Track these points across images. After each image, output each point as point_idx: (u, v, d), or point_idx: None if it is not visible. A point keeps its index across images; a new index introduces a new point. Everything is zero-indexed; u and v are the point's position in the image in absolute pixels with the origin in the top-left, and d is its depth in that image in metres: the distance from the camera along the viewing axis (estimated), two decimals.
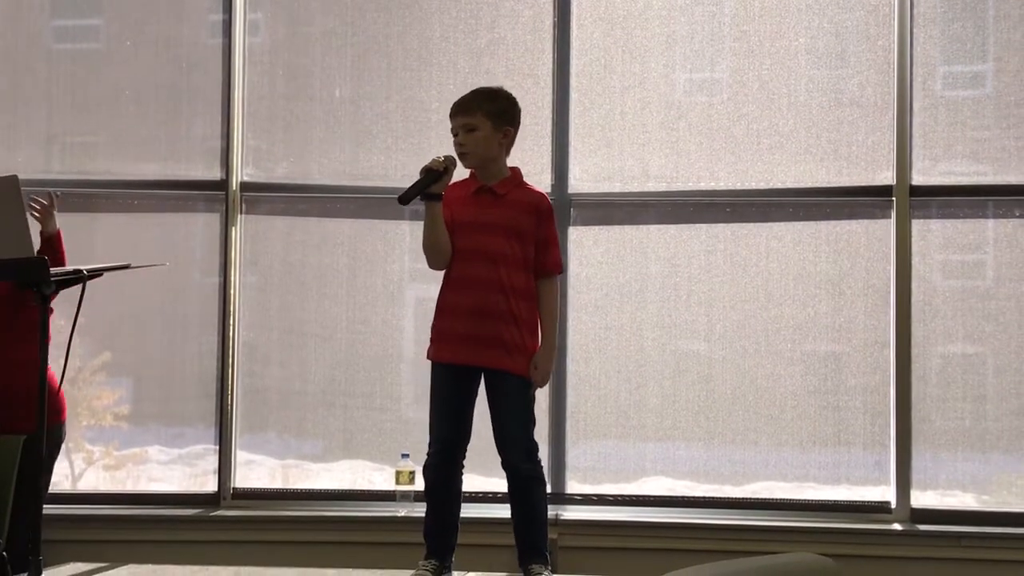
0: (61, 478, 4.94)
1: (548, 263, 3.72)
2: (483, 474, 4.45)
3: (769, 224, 4.80)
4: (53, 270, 3.33)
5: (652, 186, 4.85)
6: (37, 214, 4.25)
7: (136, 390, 5.08)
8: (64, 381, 3.54)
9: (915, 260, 4.69)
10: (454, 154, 3.68)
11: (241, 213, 4.95)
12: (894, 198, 4.71)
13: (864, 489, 4.70)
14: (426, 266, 3.75)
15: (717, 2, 4.88)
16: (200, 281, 5.02)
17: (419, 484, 4.41)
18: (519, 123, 3.78)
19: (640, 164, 4.87)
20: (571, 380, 4.81)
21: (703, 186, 4.83)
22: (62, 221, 4.34)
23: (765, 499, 4.71)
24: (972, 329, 4.71)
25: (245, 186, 4.96)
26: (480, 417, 3.70)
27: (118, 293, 4.83)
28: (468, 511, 3.82)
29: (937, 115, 4.75)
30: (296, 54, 5.05)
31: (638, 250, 4.86)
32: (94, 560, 3.93)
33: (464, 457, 3.70)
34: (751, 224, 4.81)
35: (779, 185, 4.80)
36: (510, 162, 3.78)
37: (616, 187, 4.87)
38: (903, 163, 4.71)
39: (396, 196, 3.64)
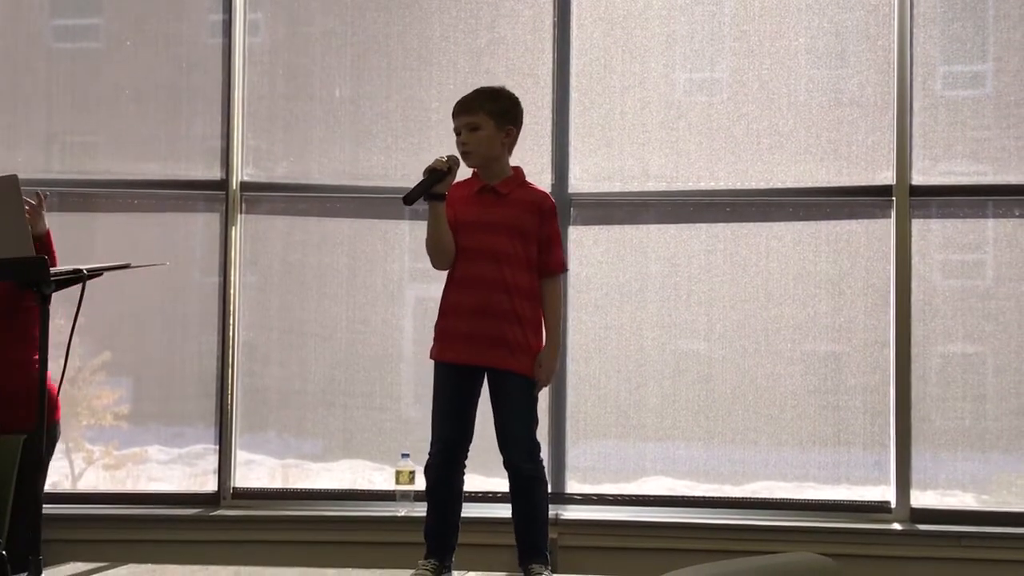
0: (61, 477, 4.95)
1: (551, 262, 3.72)
2: (483, 474, 4.46)
3: (769, 224, 4.80)
4: (53, 269, 3.33)
5: (652, 186, 4.85)
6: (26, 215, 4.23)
7: (136, 390, 5.08)
8: (64, 381, 3.52)
9: (915, 260, 4.69)
10: (456, 153, 3.69)
11: (241, 213, 4.95)
12: (894, 198, 4.71)
13: (864, 489, 4.70)
14: (426, 266, 3.76)
15: (717, 2, 4.87)
16: (200, 281, 5.02)
17: (419, 484, 4.42)
18: (521, 122, 3.78)
19: (640, 164, 4.87)
20: (571, 380, 4.80)
21: (703, 186, 4.83)
22: (61, 220, 4.35)
23: (765, 499, 4.71)
24: (972, 329, 4.71)
25: (245, 186, 4.96)
26: (480, 416, 3.70)
27: (118, 293, 4.83)
28: (468, 511, 3.82)
29: (937, 115, 4.75)
30: (296, 54, 5.05)
31: (638, 250, 4.86)
32: (94, 560, 3.93)
33: (466, 457, 3.70)
34: (751, 224, 4.81)
35: (779, 185, 4.80)
36: (511, 162, 3.78)
37: (616, 187, 4.87)
38: (903, 163, 4.71)
39: (396, 196, 3.65)
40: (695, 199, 4.84)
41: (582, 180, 4.87)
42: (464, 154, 3.68)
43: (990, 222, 4.77)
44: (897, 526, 4.58)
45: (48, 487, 4.30)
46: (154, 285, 4.91)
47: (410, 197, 3.57)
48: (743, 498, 4.73)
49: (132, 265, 3.80)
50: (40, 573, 3.28)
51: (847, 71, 4.82)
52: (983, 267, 4.79)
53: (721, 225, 4.83)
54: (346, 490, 4.85)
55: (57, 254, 4.13)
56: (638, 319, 4.82)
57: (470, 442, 3.69)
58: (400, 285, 4.94)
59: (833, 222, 4.78)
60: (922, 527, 4.55)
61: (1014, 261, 4.71)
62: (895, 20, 4.74)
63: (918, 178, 4.72)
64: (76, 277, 3.39)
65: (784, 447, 4.75)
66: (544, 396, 4.58)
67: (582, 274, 4.83)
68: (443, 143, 4.21)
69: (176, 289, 5.01)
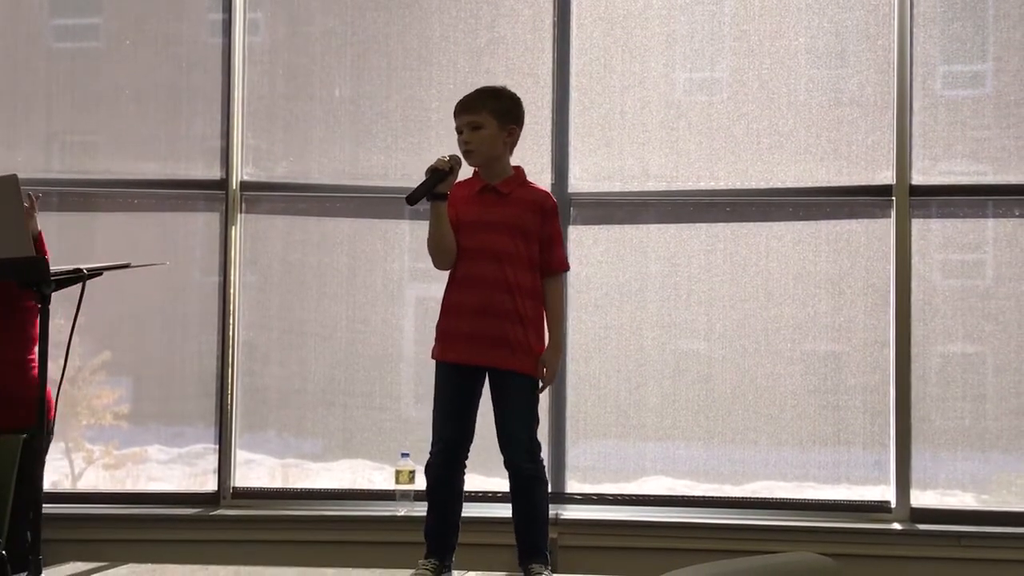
0: (61, 477, 4.95)
1: (553, 261, 3.72)
2: (483, 473, 4.46)
3: (769, 223, 4.80)
4: (53, 269, 3.33)
5: (652, 185, 4.85)
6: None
7: (136, 389, 5.08)
8: (64, 380, 3.52)
9: (915, 259, 4.69)
10: (458, 153, 3.68)
11: (241, 212, 4.95)
12: (894, 197, 4.71)
13: (864, 488, 4.70)
14: (426, 265, 3.76)
15: (717, 1, 4.87)
16: (200, 280, 5.02)
17: (419, 483, 4.43)
18: (523, 122, 3.78)
19: (640, 163, 4.87)
20: (571, 379, 4.80)
21: (703, 185, 4.83)
22: (61, 220, 4.35)
23: (765, 498, 4.71)
24: (972, 328, 4.71)
25: (245, 185, 4.96)
26: (481, 416, 3.70)
27: (118, 292, 4.83)
28: (468, 510, 3.82)
29: (937, 114, 4.75)
30: (296, 53, 5.05)
31: (638, 249, 4.86)
32: (94, 559, 3.93)
33: (467, 457, 3.70)
34: (751, 223, 4.81)
35: (779, 184, 4.80)
36: (512, 161, 3.78)
37: (616, 186, 4.87)
38: (903, 162, 4.71)
39: (396, 195, 3.65)
40: (695, 199, 4.84)
41: (582, 180, 4.87)
42: (466, 152, 3.68)
43: (990, 222, 4.77)
44: (897, 526, 4.58)
45: (48, 487, 4.29)
46: (154, 285, 4.91)
47: (413, 197, 3.57)
48: (743, 498, 4.73)
49: (132, 265, 3.81)
50: (40, 573, 3.28)
51: (847, 71, 4.82)
52: (983, 267, 4.79)
53: (721, 225, 4.83)
54: (346, 490, 4.85)
55: (50, 255, 4.13)
56: (638, 319, 4.82)
57: (471, 442, 3.69)
58: (400, 285, 4.94)
59: (833, 222, 4.78)
60: (922, 527, 4.55)
61: (1014, 261, 4.71)
62: (895, 20, 4.74)
63: (918, 178, 4.72)
64: (76, 277, 3.40)
65: (784, 447, 4.75)
66: (544, 396, 4.58)
67: (582, 274, 4.83)
68: (443, 143, 4.21)
69: (176, 289, 5.01)
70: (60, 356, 3.54)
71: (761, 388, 4.76)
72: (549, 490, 3.79)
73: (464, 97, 3.73)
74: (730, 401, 4.76)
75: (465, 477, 3.73)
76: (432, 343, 3.75)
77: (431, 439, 3.69)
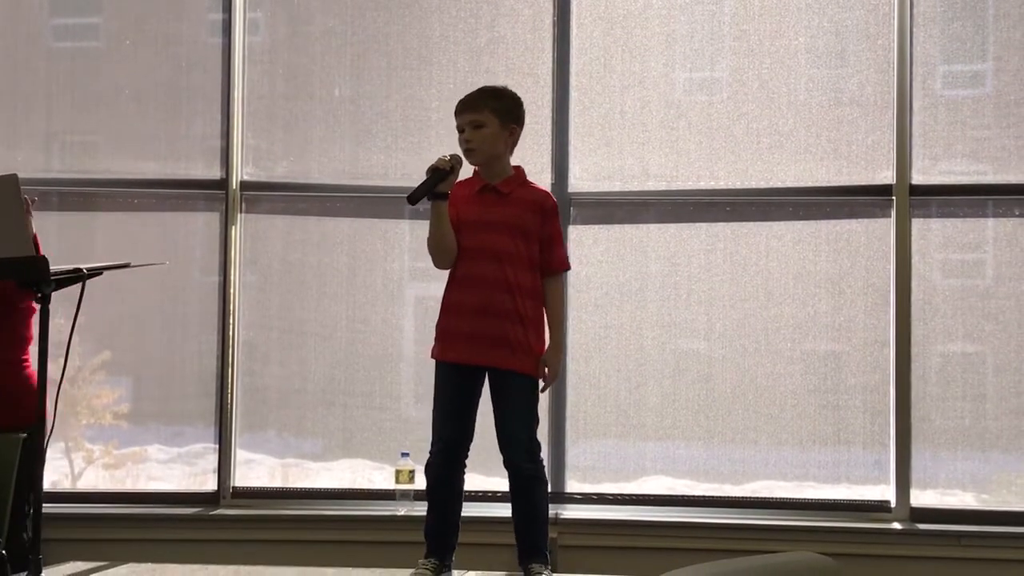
0: (61, 477, 4.95)
1: (554, 261, 3.72)
2: (483, 473, 4.46)
3: (769, 223, 4.80)
4: (53, 268, 3.33)
5: (652, 185, 4.85)
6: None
7: (136, 389, 5.08)
8: (64, 380, 3.52)
9: (915, 259, 4.69)
10: (459, 152, 3.68)
11: (241, 212, 4.95)
12: (894, 197, 4.71)
13: (864, 488, 4.70)
14: (426, 265, 3.76)
15: (717, 1, 4.87)
16: (200, 280, 5.02)
17: (419, 483, 4.43)
18: (523, 123, 3.78)
19: (640, 163, 4.87)
20: (571, 379, 4.80)
21: (703, 185, 4.83)
22: (61, 220, 4.36)
23: (765, 498, 4.71)
24: (972, 328, 4.71)
25: (245, 185, 4.96)
26: (481, 416, 3.70)
27: (118, 292, 4.84)
28: (468, 510, 3.82)
29: (937, 114, 4.75)
30: (296, 53, 5.05)
31: (638, 249, 4.86)
32: (94, 559, 3.93)
33: (467, 456, 3.69)
34: (751, 223, 4.81)
35: (779, 184, 4.80)
36: (511, 161, 3.78)
37: (616, 186, 4.87)
38: (903, 162, 4.71)
39: (396, 195, 3.66)
40: (695, 198, 4.84)
41: (582, 179, 4.87)
42: (467, 151, 3.68)
43: (990, 221, 4.77)
44: (897, 525, 4.58)
45: (48, 486, 4.29)
46: (154, 284, 4.91)
47: (414, 196, 3.56)
48: (743, 497, 4.73)
49: (132, 264, 3.81)
50: (40, 572, 3.28)
51: (847, 70, 4.82)
52: (983, 266, 4.79)
53: (721, 224, 4.83)
54: (346, 489, 4.86)
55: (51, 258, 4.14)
56: (638, 318, 4.82)
57: (471, 441, 3.69)
58: (400, 284, 4.94)
59: (833, 221, 4.78)
60: (922, 526, 4.55)
61: (1014, 260, 4.71)
62: (895, 19, 4.74)
63: (918, 177, 4.72)
64: (76, 276, 3.40)
65: (784, 446, 4.75)
66: (544, 396, 4.58)
67: (582, 273, 4.83)
68: (443, 142, 4.21)
69: (176, 288, 5.01)
70: (60, 356, 3.54)
71: (761, 388, 4.76)
72: (549, 490, 3.79)
73: (466, 96, 3.73)
74: (730, 401, 4.76)
75: (465, 477, 3.73)
76: (432, 343, 3.75)
77: (431, 439, 3.69)
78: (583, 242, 4.86)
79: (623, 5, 4.89)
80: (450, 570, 3.69)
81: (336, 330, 4.93)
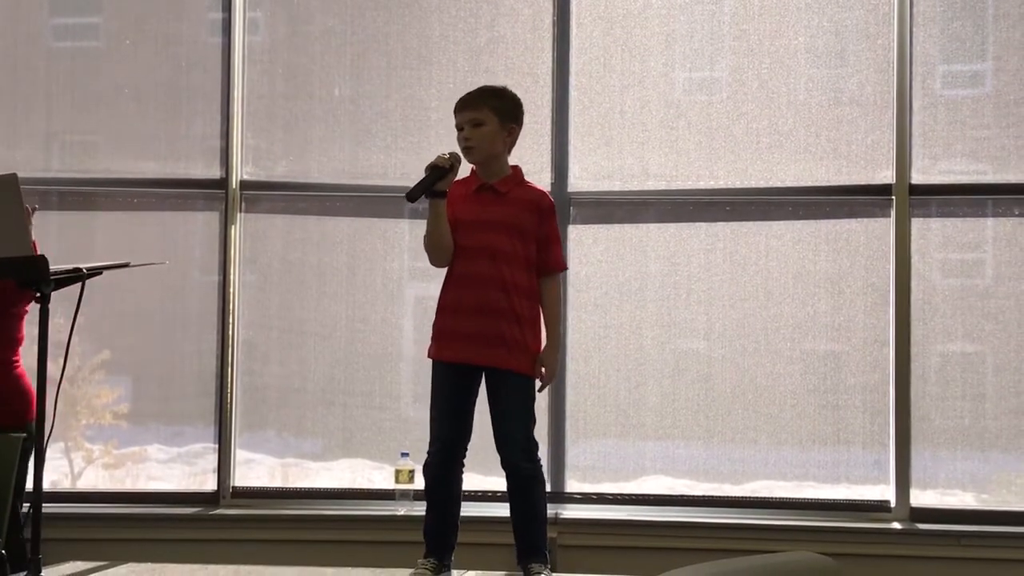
0: (60, 476, 4.95)
1: (551, 261, 3.72)
2: (482, 473, 4.45)
3: (769, 223, 4.80)
4: (53, 268, 3.33)
5: (652, 185, 4.85)
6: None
7: (135, 389, 5.08)
8: (63, 380, 3.52)
9: (914, 259, 4.69)
10: (458, 150, 3.68)
11: (241, 211, 4.95)
12: (893, 197, 4.71)
13: (863, 488, 4.70)
14: (426, 264, 3.75)
15: (716, 1, 4.87)
16: (199, 279, 5.02)
17: (418, 483, 4.42)
18: (522, 123, 3.78)
19: (640, 163, 4.87)
20: (571, 379, 4.80)
21: (703, 185, 4.83)
22: (61, 220, 4.36)
23: (764, 498, 4.71)
24: (971, 328, 4.71)
25: (245, 184, 4.96)
26: (479, 415, 3.70)
27: (118, 291, 4.84)
28: (467, 510, 3.82)
29: (936, 114, 4.75)
30: (296, 52, 5.05)
31: (638, 249, 4.86)
32: (93, 559, 3.93)
33: (465, 456, 3.69)
34: (751, 223, 4.81)
35: (779, 184, 4.80)
36: (511, 161, 3.78)
37: (616, 185, 4.87)
38: (902, 162, 4.71)
39: (396, 195, 3.66)
40: (695, 198, 4.84)
41: (582, 179, 4.87)
42: (466, 149, 3.68)
43: (989, 221, 4.77)
44: (897, 525, 4.58)
45: (47, 486, 4.28)
46: (154, 284, 4.91)
47: (413, 194, 3.56)
48: (743, 497, 4.73)
49: (132, 264, 3.81)
50: (40, 572, 3.28)
51: (847, 70, 4.82)
52: (982, 266, 4.79)
53: (721, 224, 4.83)
54: (345, 489, 4.86)
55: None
56: (638, 318, 4.82)
57: (468, 441, 3.68)
58: (400, 284, 4.94)
59: (833, 221, 4.78)
60: (921, 526, 4.55)
61: (1013, 260, 4.71)
62: (895, 19, 4.74)
63: (918, 177, 4.72)
64: (76, 276, 3.40)
65: (784, 446, 4.75)
66: (544, 395, 4.58)
67: (582, 273, 4.83)
68: (443, 142, 4.21)
69: (176, 288, 5.01)
70: (60, 355, 3.54)
71: (761, 387, 4.76)
72: (548, 489, 3.78)
73: (466, 94, 3.73)
74: (730, 400, 4.76)
75: (464, 476, 3.73)
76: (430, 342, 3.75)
77: (429, 439, 3.69)
78: (583, 242, 4.86)
79: (623, 5, 4.89)
80: (449, 570, 3.68)
81: (336, 330, 4.93)
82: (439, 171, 3.58)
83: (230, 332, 4.89)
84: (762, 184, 4.80)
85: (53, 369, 3.43)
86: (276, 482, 4.93)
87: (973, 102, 4.78)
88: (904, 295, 4.67)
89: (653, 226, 4.87)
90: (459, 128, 3.70)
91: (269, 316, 4.96)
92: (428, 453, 3.68)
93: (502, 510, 3.80)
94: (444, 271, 3.71)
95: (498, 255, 3.61)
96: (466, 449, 3.69)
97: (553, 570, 3.76)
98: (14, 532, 3.42)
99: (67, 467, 4.98)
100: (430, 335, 3.75)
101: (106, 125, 5.10)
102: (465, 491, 3.77)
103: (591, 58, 4.89)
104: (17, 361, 4.13)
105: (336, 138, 4.97)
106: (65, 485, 4.95)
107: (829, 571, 1.81)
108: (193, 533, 4.67)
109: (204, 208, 5.00)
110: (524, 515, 3.66)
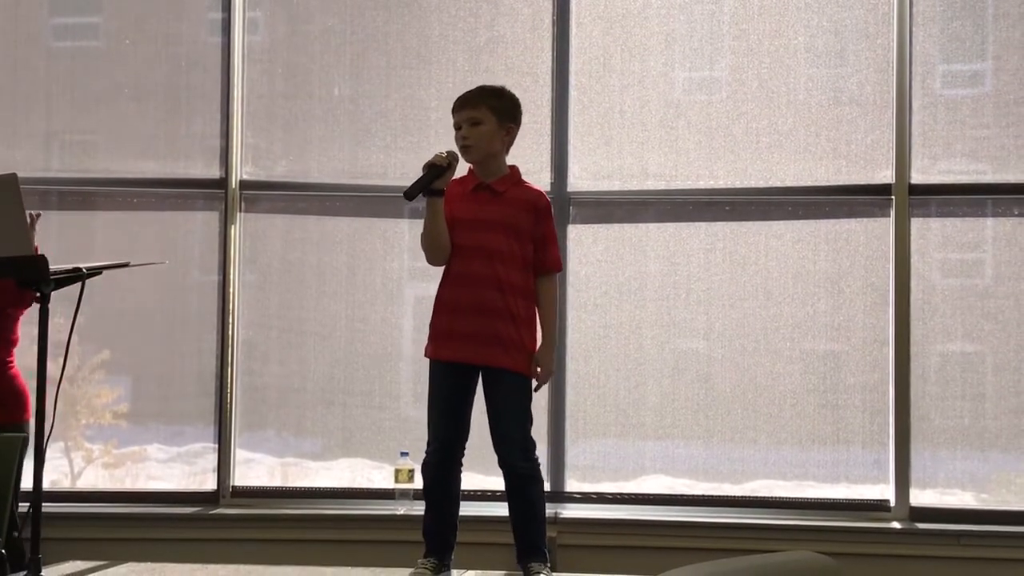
0: (60, 476, 4.95)
1: (547, 261, 3.72)
2: (482, 472, 4.45)
3: (768, 222, 4.81)
4: (53, 268, 3.33)
5: (651, 184, 4.86)
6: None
7: (135, 388, 5.08)
8: (63, 379, 3.52)
9: (914, 258, 4.69)
10: (455, 149, 3.68)
11: (240, 211, 4.95)
12: (893, 196, 4.71)
13: (863, 487, 4.70)
14: (425, 264, 3.75)
15: (716, 0, 4.87)
16: (199, 279, 5.02)
17: (418, 482, 4.42)
18: (520, 124, 3.78)
19: (639, 162, 4.87)
20: (570, 378, 4.81)
21: (702, 184, 4.83)
22: (61, 219, 4.36)
23: (764, 497, 4.72)
24: (971, 327, 4.71)
25: (244, 184, 4.96)
26: (478, 415, 3.70)
27: (117, 291, 4.84)
28: (467, 509, 3.82)
29: (936, 114, 4.75)
30: (295, 52, 5.05)
31: (637, 248, 4.86)
32: (93, 558, 3.93)
33: (463, 455, 3.69)
34: (750, 222, 4.81)
35: (778, 183, 4.80)
36: (510, 161, 3.78)
37: (615, 185, 4.87)
38: (902, 162, 4.71)
39: (396, 194, 3.65)
40: (694, 198, 4.84)
41: (581, 179, 4.87)
42: (464, 148, 3.67)
43: (989, 221, 4.77)
44: (896, 525, 4.58)
45: (47, 485, 4.28)
46: (153, 283, 4.91)
47: (410, 192, 3.57)
48: (742, 497, 4.73)
49: (131, 264, 3.81)
50: (39, 571, 3.28)
51: (846, 70, 4.82)
52: (982, 266, 4.79)
53: (720, 224, 4.83)
54: (345, 488, 4.86)
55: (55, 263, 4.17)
56: (637, 318, 4.82)
57: (466, 440, 3.68)
58: (399, 283, 4.94)
59: (832, 221, 4.78)
60: (921, 526, 4.55)
61: (1013, 260, 4.71)
62: (894, 19, 4.74)
63: (917, 177, 4.73)
64: (75, 276, 3.40)
65: (783, 446, 4.75)
66: (543, 395, 4.59)
67: (581, 273, 4.84)
68: (442, 141, 4.21)
69: (175, 288, 5.01)
70: (60, 355, 3.54)
71: (760, 387, 4.76)
72: (547, 488, 3.78)
73: (464, 93, 3.73)
74: (729, 400, 4.77)
75: (463, 476, 3.73)
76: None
77: (427, 438, 3.69)
78: (582, 241, 4.86)
79: (622, 4, 4.89)
80: (449, 569, 3.68)
81: (335, 329, 4.93)
82: (437, 169, 3.58)
83: (230, 332, 4.89)
84: (762, 184, 4.80)
85: (53, 369, 3.42)
86: (276, 482, 4.93)
87: (973, 102, 4.78)
88: (904, 295, 4.67)
89: (653, 226, 4.87)
90: (457, 127, 3.70)
91: (269, 316, 4.96)
92: (426, 453, 3.68)
93: (501, 509, 3.80)
94: (443, 270, 3.71)
95: (495, 255, 3.61)
96: (464, 449, 3.69)
97: (553, 569, 3.75)
98: (11, 532, 3.42)
99: (67, 467, 4.98)
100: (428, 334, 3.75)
101: (106, 125, 5.10)
102: (464, 491, 3.77)
103: (591, 58, 4.89)
104: (11, 362, 4.15)
105: (336, 138, 4.98)
106: (65, 485, 4.96)
107: (829, 571, 1.81)
108: (193, 533, 4.67)
109: (204, 208, 5.00)
110: (523, 514, 3.66)
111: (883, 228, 4.73)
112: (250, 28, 5.02)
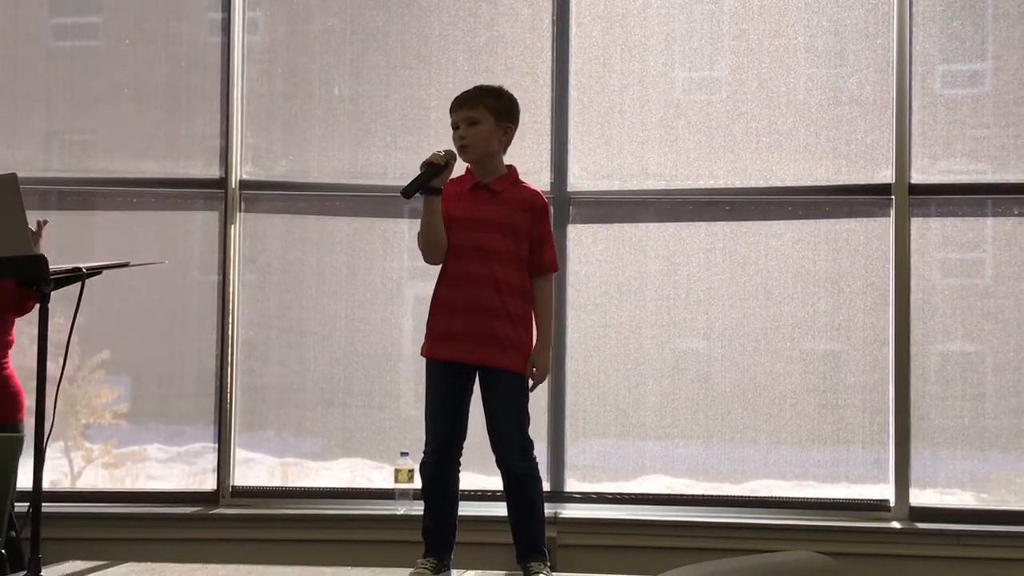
0: (60, 476, 4.95)
1: (543, 262, 3.71)
2: (481, 472, 4.45)
3: (768, 222, 4.81)
4: (52, 267, 3.33)
5: (651, 184, 4.85)
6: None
7: (135, 388, 5.08)
8: (63, 379, 3.52)
9: (914, 258, 4.69)
10: (453, 148, 3.68)
11: (240, 211, 4.95)
12: (893, 196, 4.71)
13: (863, 487, 4.70)
14: (425, 264, 3.75)
15: (716, 0, 4.87)
16: (199, 279, 5.02)
17: (418, 482, 4.42)
18: (518, 123, 3.78)
19: (639, 162, 4.87)
20: (570, 378, 4.80)
21: (702, 184, 4.83)
22: (60, 219, 4.36)
23: (764, 497, 4.72)
24: (971, 327, 4.71)
25: (244, 184, 4.96)
26: (477, 414, 3.70)
27: (117, 291, 4.84)
28: (466, 509, 3.82)
29: (936, 113, 4.75)
30: (295, 52, 5.05)
31: (637, 248, 4.86)
32: (93, 558, 3.93)
33: (461, 455, 3.69)
34: (750, 222, 4.81)
35: (778, 183, 4.80)
36: (509, 161, 3.78)
37: (615, 185, 4.87)
38: (902, 161, 4.71)
39: (395, 194, 3.65)
40: (694, 197, 4.84)
41: (581, 178, 4.87)
42: (462, 148, 3.67)
43: (989, 221, 4.77)
44: (896, 524, 4.58)
45: (47, 485, 4.29)
46: (153, 283, 4.91)
47: (408, 190, 3.57)
48: (742, 496, 4.73)
49: (131, 263, 3.81)
50: (39, 571, 3.28)
51: (846, 69, 4.82)
52: (982, 266, 4.79)
53: (720, 223, 4.83)
54: (345, 488, 4.86)
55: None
56: (637, 318, 4.82)
57: (464, 440, 3.68)
58: (399, 283, 4.94)
59: (832, 221, 4.78)
60: (921, 525, 4.55)
61: (1013, 260, 4.71)
62: (894, 18, 4.74)
63: (917, 177, 4.73)
64: (75, 276, 3.39)
65: (783, 445, 4.75)
66: (543, 394, 4.60)
67: (581, 273, 4.84)
68: (442, 141, 4.20)
69: (175, 287, 5.01)
70: (59, 355, 3.54)
71: (760, 387, 4.76)
72: (546, 488, 3.78)
73: (462, 93, 3.73)
74: (729, 400, 4.77)
75: (462, 475, 3.73)
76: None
77: (424, 438, 3.69)
78: (582, 241, 4.86)
79: (622, 4, 4.89)
80: (449, 569, 3.68)
81: (335, 329, 4.93)
82: (434, 168, 3.57)
83: (230, 332, 4.89)
84: (762, 184, 4.80)
85: (53, 368, 3.42)
86: (276, 481, 4.93)
87: (973, 101, 4.78)
88: (904, 295, 4.67)
89: (652, 225, 4.87)
90: (454, 127, 3.70)
91: (269, 316, 4.96)
92: (424, 453, 3.68)
93: (501, 509, 3.80)
94: (439, 269, 3.71)
95: (492, 254, 3.61)
96: (462, 448, 3.68)
97: (553, 569, 3.75)
98: (8, 532, 3.42)
99: (67, 467, 4.98)
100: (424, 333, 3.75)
101: (106, 125, 5.10)
102: (464, 490, 3.77)
103: (591, 57, 4.89)
104: (6, 363, 4.15)
105: (336, 138, 4.97)
106: (65, 485, 4.96)
107: (829, 570, 1.81)
108: (193, 533, 4.67)
109: (204, 208, 5.00)
110: (522, 514, 3.66)
111: (883, 228, 4.73)
112: (250, 28, 5.02)
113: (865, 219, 4.76)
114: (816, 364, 4.75)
